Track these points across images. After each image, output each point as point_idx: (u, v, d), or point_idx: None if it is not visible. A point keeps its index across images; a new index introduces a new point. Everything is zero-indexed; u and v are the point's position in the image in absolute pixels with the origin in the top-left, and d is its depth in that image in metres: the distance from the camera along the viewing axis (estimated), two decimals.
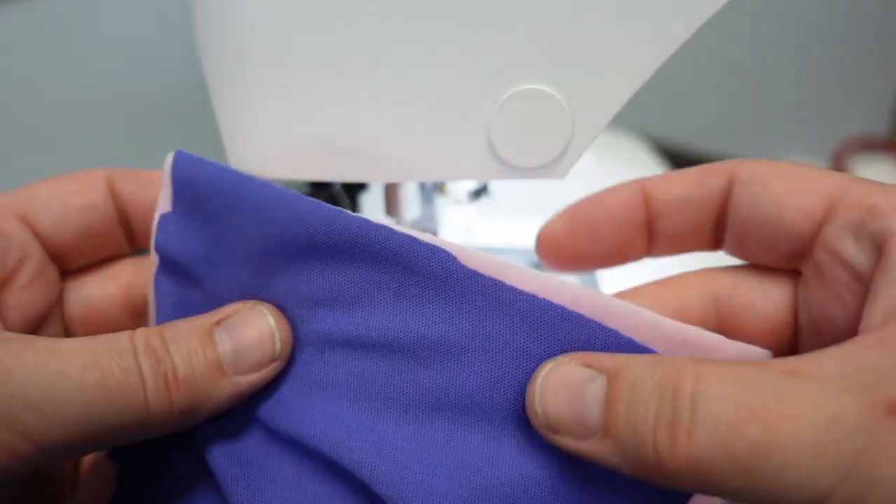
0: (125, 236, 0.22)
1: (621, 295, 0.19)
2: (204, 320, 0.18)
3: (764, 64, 0.97)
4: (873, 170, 0.92)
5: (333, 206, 0.18)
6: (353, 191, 0.31)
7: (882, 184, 0.16)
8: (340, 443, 0.17)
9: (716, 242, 0.19)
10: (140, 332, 0.17)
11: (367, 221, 0.17)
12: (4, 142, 0.60)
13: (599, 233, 0.19)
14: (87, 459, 0.21)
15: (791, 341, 0.18)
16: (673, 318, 0.17)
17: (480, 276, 0.17)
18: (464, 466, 0.17)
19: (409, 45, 0.21)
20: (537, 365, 0.17)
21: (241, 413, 0.18)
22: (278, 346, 0.18)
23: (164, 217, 0.20)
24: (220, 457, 0.18)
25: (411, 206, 0.32)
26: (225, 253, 0.19)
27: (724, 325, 0.19)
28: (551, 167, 0.22)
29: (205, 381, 0.17)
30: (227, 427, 0.19)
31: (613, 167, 0.58)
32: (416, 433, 0.17)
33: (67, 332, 0.22)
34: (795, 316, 0.18)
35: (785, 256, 0.17)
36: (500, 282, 0.17)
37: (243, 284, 0.19)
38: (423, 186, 0.32)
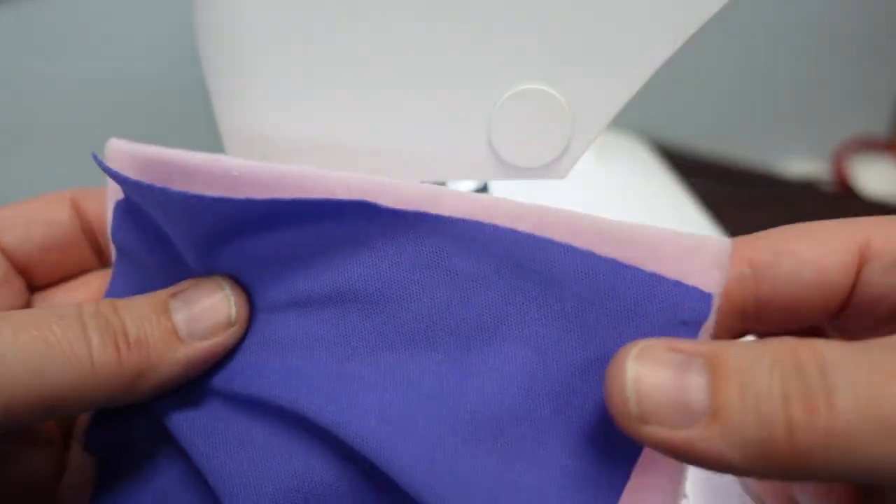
0: (94, 253, 0.22)
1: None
2: (160, 293, 0.18)
3: (765, 65, 0.97)
4: (874, 170, 0.92)
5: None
6: None
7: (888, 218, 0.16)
8: (299, 398, 0.17)
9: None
10: (89, 302, 0.17)
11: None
12: (4, 142, 0.59)
13: None
14: (75, 453, 0.21)
15: None
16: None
17: (404, 212, 0.17)
18: (423, 401, 0.17)
19: (409, 45, 0.21)
20: (474, 285, 0.17)
21: (202, 385, 0.18)
22: (234, 310, 0.18)
23: (117, 204, 0.20)
24: (186, 430, 0.18)
25: None
26: (173, 235, 0.19)
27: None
28: (551, 167, 0.22)
29: (158, 344, 0.17)
30: (191, 400, 0.18)
31: (613, 167, 0.58)
32: (373, 375, 0.17)
33: None
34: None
35: (827, 314, 0.17)
36: (423, 213, 0.17)
37: (195, 262, 0.19)
38: None
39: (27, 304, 0.22)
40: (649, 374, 0.14)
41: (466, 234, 0.17)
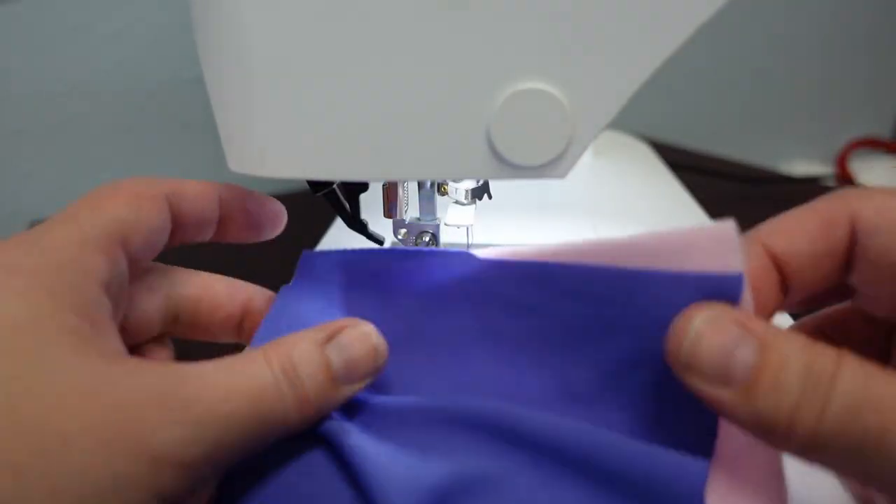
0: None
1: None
2: (316, 335, 0.20)
3: (768, 66, 0.97)
4: (876, 170, 0.92)
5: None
6: (353, 190, 0.31)
7: None
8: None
9: (844, 294, 0.20)
10: (272, 358, 0.19)
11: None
12: (4, 141, 0.60)
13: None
14: None
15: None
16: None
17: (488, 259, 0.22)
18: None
19: (409, 45, 0.21)
20: (547, 308, 0.21)
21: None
22: (381, 361, 0.21)
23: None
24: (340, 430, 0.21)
25: (411, 205, 0.32)
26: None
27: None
28: (551, 167, 0.22)
29: (327, 398, 0.20)
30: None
31: (613, 167, 0.58)
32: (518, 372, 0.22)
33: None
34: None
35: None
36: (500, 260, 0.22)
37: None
38: (423, 186, 0.32)
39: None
40: (709, 336, 0.17)
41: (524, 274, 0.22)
